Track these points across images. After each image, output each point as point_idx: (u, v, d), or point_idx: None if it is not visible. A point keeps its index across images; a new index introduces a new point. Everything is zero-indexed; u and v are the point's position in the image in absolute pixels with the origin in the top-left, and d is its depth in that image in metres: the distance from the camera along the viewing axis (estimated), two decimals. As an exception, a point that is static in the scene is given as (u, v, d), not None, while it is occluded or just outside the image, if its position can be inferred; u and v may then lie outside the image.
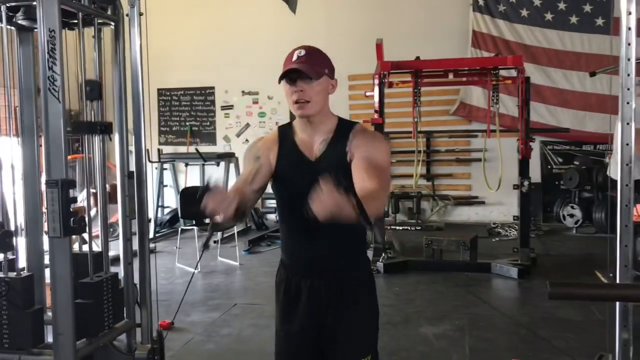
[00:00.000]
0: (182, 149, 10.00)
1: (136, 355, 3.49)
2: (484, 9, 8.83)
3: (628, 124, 2.90)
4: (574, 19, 8.63)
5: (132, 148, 3.55)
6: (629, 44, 2.89)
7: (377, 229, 1.86)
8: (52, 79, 2.77)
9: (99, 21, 3.36)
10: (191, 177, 9.48)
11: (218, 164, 8.60)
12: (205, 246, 1.80)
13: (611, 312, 2.99)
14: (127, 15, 3.41)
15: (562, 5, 8.67)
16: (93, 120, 3.30)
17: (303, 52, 1.94)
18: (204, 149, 9.42)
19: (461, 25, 8.96)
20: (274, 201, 2.22)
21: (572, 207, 8.03)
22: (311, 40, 8.70)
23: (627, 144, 2.90)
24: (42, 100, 2.82)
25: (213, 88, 9.97)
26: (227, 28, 9.56)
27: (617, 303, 2.93)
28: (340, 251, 2.05)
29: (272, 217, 9.02)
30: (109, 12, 3.41)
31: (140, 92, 3.49)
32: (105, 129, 3.40)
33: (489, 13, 8.82)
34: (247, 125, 9.88)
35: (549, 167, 8.87)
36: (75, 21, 3.26)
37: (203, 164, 8.79)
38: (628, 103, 2.90)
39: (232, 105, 9.95)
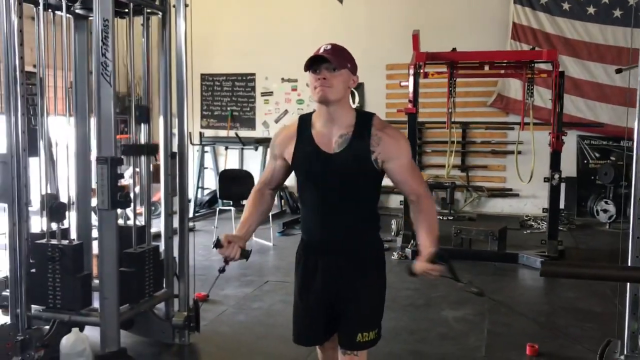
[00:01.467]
0: (223, 133, 10.28)
1: (173, 321, 3.76)
2: (525, 1, 8.78)
3: (644, 120, 2.99)
4: (617, 13, 8.51)
5: (175, 131, 3.80)
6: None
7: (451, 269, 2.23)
8: (104, 64, 3.03)
9: (148, 11, 3.61)
10: (231, 160, 9.77)
11: (256, 149, 8.86)
12: (221, 271, 2.16)
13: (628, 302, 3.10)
14: (173, 6, 3.65)
15: (605, -2, 8.54)
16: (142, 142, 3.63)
17: (329, 46, 2.12)
18: (244, 133, 9.68)
19: (501, 17, 8.94)
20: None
21: (606, 203, 8.00)
22: (352, 30, 8.87)
23: (644, 140, 3.00)
24: (94, 84, 3.09)
25: (254, 75, 10.21)
26: (269, 16, 9.76)
27: (628, 293, 3.05)
28: (353, 233, 2.22)
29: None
30: (157, 3, 3.65)
31: (184, 78, 3.72)
32: (151, 151, 3.74)
33: (529, 5, 8.76)
34: (286, 111, 10.10)
35: (585, 161, 8.82)
36: (127, 10, 3.52)
37: (242, 148, 9.07)
38: (645, 101, 2.99)
39: (272, 92, 10.18)
